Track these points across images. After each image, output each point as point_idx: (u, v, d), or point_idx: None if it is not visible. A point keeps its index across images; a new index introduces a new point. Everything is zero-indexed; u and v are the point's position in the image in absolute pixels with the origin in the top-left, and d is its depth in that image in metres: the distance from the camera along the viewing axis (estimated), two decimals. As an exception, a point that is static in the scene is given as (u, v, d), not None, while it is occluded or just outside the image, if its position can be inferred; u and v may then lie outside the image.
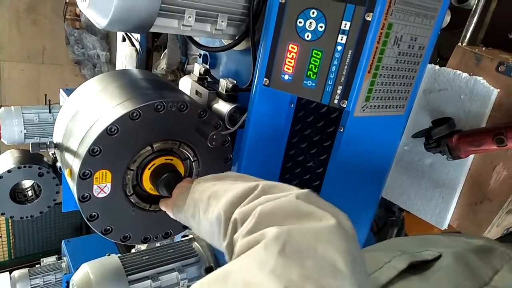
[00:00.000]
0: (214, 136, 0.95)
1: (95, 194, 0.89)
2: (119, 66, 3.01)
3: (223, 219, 0.61)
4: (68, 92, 2.94)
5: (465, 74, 1.30)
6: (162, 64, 2.74)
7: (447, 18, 1.59)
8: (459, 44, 1.37)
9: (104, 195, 0.90)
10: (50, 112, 2.66)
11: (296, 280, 0.40)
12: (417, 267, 0.59)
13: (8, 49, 4.69)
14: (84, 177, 0.86)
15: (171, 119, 0.93)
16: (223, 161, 1.09)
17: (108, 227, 0.94)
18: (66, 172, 0.93)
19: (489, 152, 1.21)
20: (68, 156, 0.93)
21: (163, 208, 0.93)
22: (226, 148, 1.08)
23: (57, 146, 1.03)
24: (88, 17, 0.93)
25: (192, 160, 1.02)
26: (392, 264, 0.57)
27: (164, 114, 0.91)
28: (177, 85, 1.37)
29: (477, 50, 1.31)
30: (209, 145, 0.95)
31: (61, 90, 2.98)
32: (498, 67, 1.23)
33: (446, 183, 1.38)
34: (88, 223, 0.91)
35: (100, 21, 0.90)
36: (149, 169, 0.96)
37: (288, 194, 0.55)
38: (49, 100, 2.75)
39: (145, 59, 2.85)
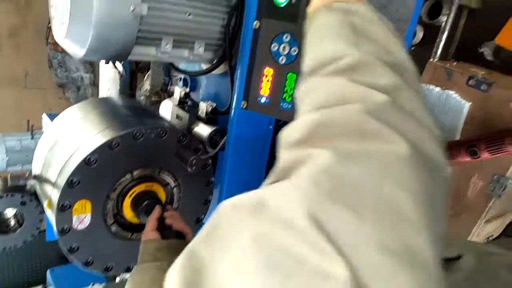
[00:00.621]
0: (194, 161, 0.96)
1: (75, 226, 0.88)
2: (102, 88, 3.00)
3: (305, 74, 0.54)
4: (52, 117, 2.91)
5: (437, 89, 1.35)
6: (146, 86, 2.75)
7: (420, 34, 1.65)
8: (431, 60, 1.42)
9: (84, 226, 0.89)
10: (32, 138, 2.64)
11: (348, 238, 0.32)
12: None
13: (-11, 74, 4.63)
14: (63, 208, 0.86)
15: (150, 146, 0.94)
16: (204, 185, 1.09)
17: (90, 259, 0.93)
18: (45, 204, 0.93)
19: (464, 163, 1.25)
20: (47, 188, 0.93)
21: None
22: (207, 171, 1.08)
23: (36, 177, 1.02)
24: (64, 47, 0.94)
25: (172, 186, 1.03)
26: None
27: (143, 141, 0.92)
28: (161, 103, 1.38)
29: (448, 65, 1.36)
30: (189, 169, 0.96)
31: (44, 115, 2.96)
32: (468, 81, 1.28)
33: (426, 195, 1.41)
34: (68, 256, 0.90)
35: (77, 52, 0.91)
36: (129, 196, 0.96)
37: (357, 105, 0.43)
38: (32, 126, 2.72)
39: (129, 81, 2.85)
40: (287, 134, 0.46)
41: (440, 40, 1.44)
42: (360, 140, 0.38)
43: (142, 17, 0.88)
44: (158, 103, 2.87)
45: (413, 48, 1.68)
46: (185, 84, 1.37)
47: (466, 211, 1.33)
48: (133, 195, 0.95)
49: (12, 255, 4.86)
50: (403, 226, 0.33)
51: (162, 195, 1.00)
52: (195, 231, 1.13)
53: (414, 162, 0.37)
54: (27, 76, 5.00)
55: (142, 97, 2.79)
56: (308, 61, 0.60)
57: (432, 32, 1.58)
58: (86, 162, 0.86)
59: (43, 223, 1.67)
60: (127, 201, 0.95)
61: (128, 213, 0.96)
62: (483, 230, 1.36)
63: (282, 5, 0.89)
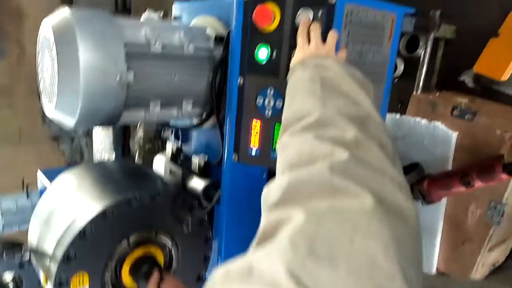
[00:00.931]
0: (190, 221, 0.96)
1: (73, 299, 0.86)
2: (95, 139, 3.02)
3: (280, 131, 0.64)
4: (46, 173, 2.91)
5: (424, 121, 1.37)
6: (139, 134, 2.78)
7: (401, 67, 1.71)
8: (414, 93, 1.46)
9: (83, 298, 0.88)
10: (28, 197, 2.62)
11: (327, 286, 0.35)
12: None
13: (-17, 134, 4.65)
14: (61, 283, 0.84)
15: (145, 209, 0.94)
16: (203, 242, 1.08)
17: (90, 330, 0.90)
18: (42, 279, 0.91)
19: (460, 193, 1.25)
20: (42, 263, 0.91)
21: None
22: (204, 228, 1.08)
23: (32, 250, 1.00)
24: (54, 119, 0.95)
25: (170, 247, 1.02)
26: None
27: (137, 206, 0.92)
28: (154, 158, 1.38)
29: (431, 96, 1.40)
30: (185, 230, 0.96)
31: (39, 171, 2.95)
32: (452, 111, 1.31)
33: (426, 227, 1.40)
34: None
35: (68, 122, 0.92)
36: (127, 263, 0.94)
37: (322, 164, 0.48)
38: (27, 185, 2.71)
39: (122, 130, 2.88)
40: (266, 195, 0.51)
41: (421, 73, 1.48)
42: (329, 198, 0.43)
43: (129, 84, 0.90)
44: (152, 150, 2.89)
45: (395, 80, 1.73)
46: (176, 137, 1.39)
47: (468, 240, 1.32)
48: (131, 262, 0.93)
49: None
50: (377, 275, 0.36)
51: (160, 257, 0.99)
52: (196, 289, 1.11)
53: (380, 213, 0.41)
54: (21, 133, 5.05)
55: (136, 146, 2.81)
56: (283, 117, 0.69)
57: (412, 64, 1.63)
58: (81, 234, 0.85)
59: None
60: (126, 268, 0.93)
61: (127, 280, 0.94)
62: (488, 259, 1.34)
63: (264, 62, 0.93)
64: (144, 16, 1.72)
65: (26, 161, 4.82)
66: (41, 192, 2.74)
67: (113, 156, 3.28)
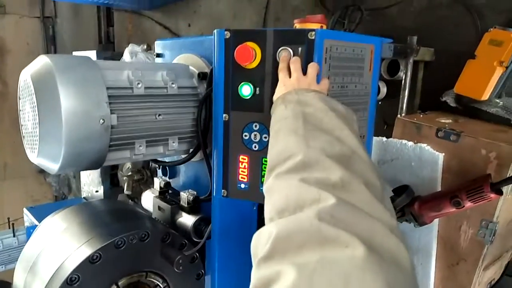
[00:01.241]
0: (180, 261, 0.94)
1: None
2: (83, 171, 2.98)
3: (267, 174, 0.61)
4: (32, 210, 2.85)
5: (410, 143, 1.38)
6: (127, 165, 2.75)
7: (384, 90, 1.73)
8: (398, 115, 1.48)
9: None
10: (14, 235, 2.55)
11: None
12: None
13: (-33, 171, 4.56)
14: (48, 336, 0.81)
15: (133, 252, 0.92)
16: (195, 279, 1.06)
17: None
18: (28, 331, 0.87)
19: (451, 214, 1.25)
20: (28, 313, 0.88)
21: None
22: (196, 265, 1.06)
23: (17, 300, 0.97)
24: (38, 165, 0.94)
25: (162, 286, 0.99)
26: None
27: (125, 249, 0.90)
28: (142, 194, 1.36)
29: (415, 119, 1.42)
30: (176, 270, 0.93)
31: (24, 209, 2.89)
32: (437, 133, 1.33)
33: (420, 248, 1.39)
34: None
35: (51, 167, 0.91)
36: None
37: (309, 211, 0.47)
38: (13, 224, 2.64)
39: (110, 161, 2.83)
40: (255, 247, 0.51)
41: (404, 96, 1.50)
42: (319, 249, 0.42)
43: (113, 126, 0.90)
44: (141, 181, 2.84)
45: (379, 103, 1.75)
46: (164, 172, 1.37)
47: (462, 260, 1.31)
48: None
49: None
50: None
51: None
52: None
53: (372, 262, 0.40)
54: (6, 168, 4.95)
55: (124, 177, 2.76)
56: (268, 157, 0.69)
57: (395, 86, 1.65)
58: (68, 282, 0.83)
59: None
60: None
61: None
62: (484, 278, 1.33)
63: (248, 97, 0.93)
64: (127, 50, 1.72)
65: (12, 197, 4.73)
66: (28, 229, 2.66)
67: (101, 188, 3.22)
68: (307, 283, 0.39)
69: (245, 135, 0.96)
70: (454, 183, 1.28)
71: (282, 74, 0.83)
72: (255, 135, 0.95)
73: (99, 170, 2.83)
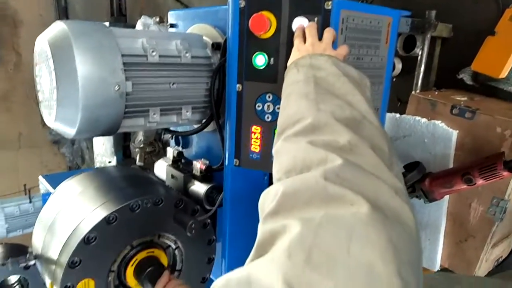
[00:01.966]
0: (193, 225, 0.96)
1: (79, 307, 0.87)
2: (96, 142, 3.03)
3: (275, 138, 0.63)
4: (48, 178, 2.92)
5: (424, 120, 1.37)
6: (139, 137, 2.78)
7: (399, 66, 1.70)
8: (413, 92, 1.46)
9: (89, 305, 0.89)
10: (30, 202, 2.63)
11: None
12: None
13: (-16, 139, 4.68)
14: (66, 291, 0.85)
15: (148, 215, 0.94)
16: (206, 244, 1.09)
17: (97, 339, 0.91)
18: (48, 285, 0.92)
19: (461, 191, 1.26)
20: (48, 269, 0.92)
21: None
22: (208, 231, 1.09)
23: (37, 257, 1.01)
24: (55, 129, 0.96)
25: (174, 247, 1.02)
26: None
27: (140, 212, 0.93)
28: (155, 163, 1.39)
29: (430, 96, 1.40)
30: (189, 234, 0.96)
31: (40, 177, 2.96)
32: (452, 110, 1.31)
33: (429, 224, 1.41)
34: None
35: (68, 132, 0.93)
36: (131, 265, 0.95)
37: (315, 171, 0.48)
38: (29, 190, 2.72)
39: (122, 133, 2.89)
40: (262, 204, 0.52)
41: (419, 72, 1.48)
42: (324, 206, 0.43)
43: (128, 93, 0.91)
44: (153, 153, 2.89)
45: (394, 80, 1.73)
46: (177, 142, 1.39)
47: (471, 237, 1.32)
48: (135, 264, 0.95)
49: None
50: (375, 282, 0.36)
51: (164, 259, 1.00)
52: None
53: (376, 219, 0.41)
54: (20, 138, 5.06)
55: (136, 149, 2.81)
56: (279, 120, 0.68)
57: (410, 63, 1.62)
58: (85, 241, 0.86)
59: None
60: (130, 270, 0.94)
61: (131, 282, 0.95)
62: (492, 255, 1.35)
63: (261, 67, 0.93)
64: (140, 22, 1.72)
65: (27, 166, 4.85)
66: (44, 196, 2.75)
67: (114, 159, 3.28)
68: (312, 235, 0.40)
69: (258, 106, 0.97)
70: (467, 160, 1.27)
71: (297, 41, 0.82)
72: (268, 106, 0.96)
73: (112, 141, 2.88)
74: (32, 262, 1.02)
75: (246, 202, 1.13)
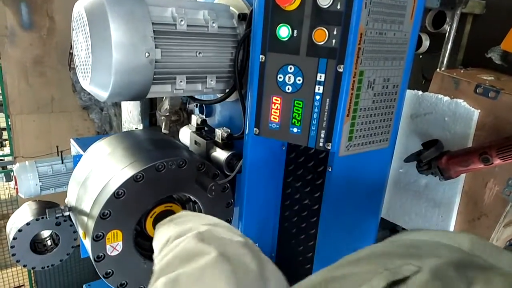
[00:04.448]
0: (213, 187, 1.03)
1: (109, 253, 0.97)
2: (124, 109, 3.15)
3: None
4: (78, 141, 3.08)
5: (446, 98, 1.37)
6: (165, 105, 2.87)
7: (426, 43, 1.68)
8: (438, 70, 1.45)
9: (117, 253, 0.98)
10: (62, 162, 2.79)
11: None
12: (398, 282, 0.60)
13: (19, 102, 4.90)
14: (97, 238, 0.94)
15: (172, 176, 1.02)
16: (225, 207, 1.16)
17: (123, 282, 1.01)
18: (81, 234, 1.02)
19: (478, 170, 1.27)
20: (81, 220, 1.02)
21: None
22: (227, 194, 1.15)
23: (71, 209, 1.11)
24: (90, 92, 1.03)
25: (193, 201, 1.10)
26: (372, 284, 0.58)
27: (165, 173, 1.00)
28: (180, 130, 1.47)
29: (455, 74, 1.39)
30: (209, 195, 1.03)
31: (71, 140, 3.12)
32: (476, 89, 1.30)
33: (443, 202, 1.43)
34: (104, 280, 0.98)
35: (102, 95, 1.00)
36: (151, 217, 1.04)
37: (186, 238, 0.63)
38: (61, 152, 2.88)
39: (149, 102, 2.98)
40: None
41: (446, 49, 1.46)
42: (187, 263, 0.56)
43: (157, 60, 0.96)
44: (177, 122, 2.99)
45: (420, 57, 1.71)
46: (201, 110, 1.45)
47: (484, 216, 1.34)
48: (154, 215, 1.03)
49: (51, 271, 5.10)
50: None
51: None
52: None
53: (221, 261, 0.55)
54: (53, 102, 5.26)
55: (162, 117, 2.91)
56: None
57: (438, 40, 1.60)
58: (116, 195, 0.94)
59: (78, 241, 1.77)
60: (149, 221, 1.03)
61: (150, 231, 1.04)
62: (503, 234, 1.36)
63: (285, 39, 0.96)
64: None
65: (58, 129, 5.07)
66: (75, 158, 2.91)
67: (140, 126, 3.41)
68: (172, 284, 0.52)
69: (280, 77, 1.00)
70: (486, 140, 1.28)
71: None
72: (289, 77, 0.99)
73: (139, 108, 2.98)
74: (67, 213, 1.12)
75: (264, 170, 1.19)
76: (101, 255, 0.96)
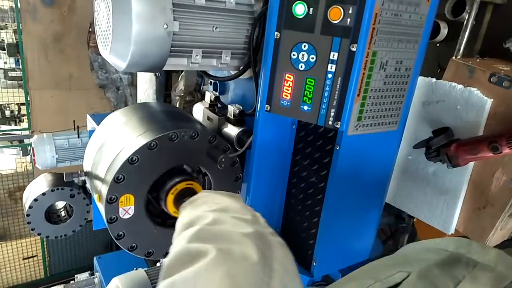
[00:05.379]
0: (223, 159, 1.07)
1: (121, 216, 1.02)
2: (140, 88, 3.20)
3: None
4: (95, 117, 3.15)
5: (460, 86, 1.37)
6: (180, 86, 2.91)
7: (444, 31, 1.67)
8: (453, 57, 1.44)
9: (129, 216, 1.03)
10: (78, 137, 2.87)
11: None
12: None
13: (38, 78, 5.00)
14: (111, 201, 0.99)
15: (184, 146, 1.05)
16: (233, 181, 1.20)
17: (134, 244, 1.06)
18: (95, 197, 1.07)
19: (487, 159, 1.27)
20: (96, 183, 1.07)
21: None
22: (236, 168, 1.19)
23: (87, 174, 1.17)
24: (109, 62, 1.07)
25: (203, 173, 1.14)
26: None
27: (178, 143, 1.04)
28: (194, 106, 1.50)
29: (470, 62, 1.38)
30: (219, 167, 1.07)
31: (88, 115, 3.20)
32: (490, 78, 1.30)
33: (450, 190, 1.44)
34: (116, 242, 1.03)
35: (120, 65, 1.03)
36: (172, 193, 1.05)
37: (182, 239, 0.63)
38: (78, 126, 2.95)
39: (164, 82, 3.03)
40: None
41: (463, 37, 1.45)
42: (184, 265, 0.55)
43: (175, 33, 0.99)
44: (191, 102, 3.04)
45: (438, 45, 1.70)
46: (215, 88, 1.48)
47: (489, 205, 1.35)
48: (175, 193, 1.05)
49: (63, 243, 5.27)
50: None
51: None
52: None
53: (217, 263, 0.55)
54: (71, 79, 5.35)
55: (177, 97, 2.96)
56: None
57: (457, 29, 1.58)
58: (130, 161, 0.98)
59: (90, 214, 1.84)
60: (170, 198, 1.04)
61: (171, 209, 1.05)
62: (508, 224, 1.37)
63: (301, 17, 0.97)
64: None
65: (75, 106, 5.17)
66: (90, 133, 2.99)
67: (155, 105, 3.42)
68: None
69: (293, 54, 1.02)
70: (497, 129, 1.27)
71: None
72: (303, 55, 1.01)
73: (154, 88, 3.02)
74: (83, 178, 1.17)
75: (273, 147, 1.22)
76: (114, 217, 1.01)
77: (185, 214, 0.77)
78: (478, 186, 1.37)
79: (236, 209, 0.75)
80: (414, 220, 1.75)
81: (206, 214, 0.71)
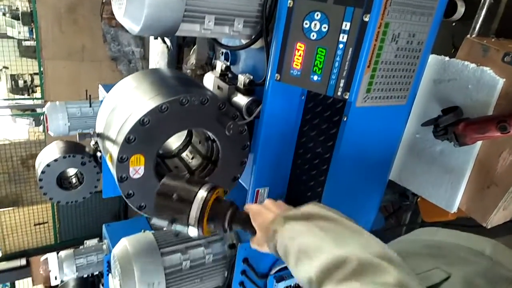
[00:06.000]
0: (231, 126, 1.09)
1: (131, 175, 1.05)
2: (152, 62, 3.21)
3: (314, 284, 0.61)
4: (107, 87, 3.18)
5: (472, 65, 1.36)
6: (191, 59, 2.91)
7: (461, 10, 1.64)
8: (468, 36, 1.42)
9: (139, 176, 1.06)
10: (90, 106, 2.91)
11: None
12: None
13: (51, 48, 5.03)
14: (122, 161, 1.02)
15: (194, 111, 1.08)
16: (241, 148, 1.22)
17: (143, 204, 1.10)
18: (107, 157, 1.10)
19: (494, 138, 1.27)
20: (108, 144, 1.10)
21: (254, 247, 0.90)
22: (244, 136, 1.21)
23: (99, 135, 1.20)
24: (123, 24, 1.08)
25: (211, 139, 1.16)
26: None
27: (188, 107, 1.06)
28: (204, 76, 1.51)
29: (485, 41, 1.36)
30: (227, 133, 1.09)
31: (100, 85, 3.24)
32: (504, 57, 1.28)
33: (455, 169, 1.45)
34: (126, 200, 1.07)
35: (134, 28, 1.05)
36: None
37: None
38: (90, 95, 2.99)
39: (176, 55, 3.03)
40: None
41: (479, 16, 1.42)
42: None
43: (188, -3, 1.00)
44: (202, 76, 3.04)
45: (454, 24, 1.67)
46: (226, 58, 1.49)
47: (494, 184, 1.36)
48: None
49: (73, 211, 5.42)
50: None
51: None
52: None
53: None
54: (84, 50, 5.38)
55: (188, 71, 2.96)
56: (308, 271, 0.64)
57: (474, 8, 1.55)
58: (141, 123, 1.01)
59: (100, 183, 1.89)
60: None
61: (206, 231, 0.89)
62: (510, 204, 1.38)
63: (314, -15, 0.97)
64: None
65: (88, 77, 5.22)
66: (101, 102, 3.02)
67: (166, 78, 3.44)
68: None
69: (306, 23, 1.02)
70: (507, 109, 1.27)
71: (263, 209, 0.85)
72: (315, 24, 1.01)
73: (166, 61, 3.03)
74: (96, 138, 1.20)
75: (282, 118, 1.23)
76: (124, 176, 1.05)
77: (309, 236, 0.67)
78: (484, 166, 1.38)
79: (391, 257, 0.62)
80: (418, 199, 1.77)
81: (363, 255, 0.59)
